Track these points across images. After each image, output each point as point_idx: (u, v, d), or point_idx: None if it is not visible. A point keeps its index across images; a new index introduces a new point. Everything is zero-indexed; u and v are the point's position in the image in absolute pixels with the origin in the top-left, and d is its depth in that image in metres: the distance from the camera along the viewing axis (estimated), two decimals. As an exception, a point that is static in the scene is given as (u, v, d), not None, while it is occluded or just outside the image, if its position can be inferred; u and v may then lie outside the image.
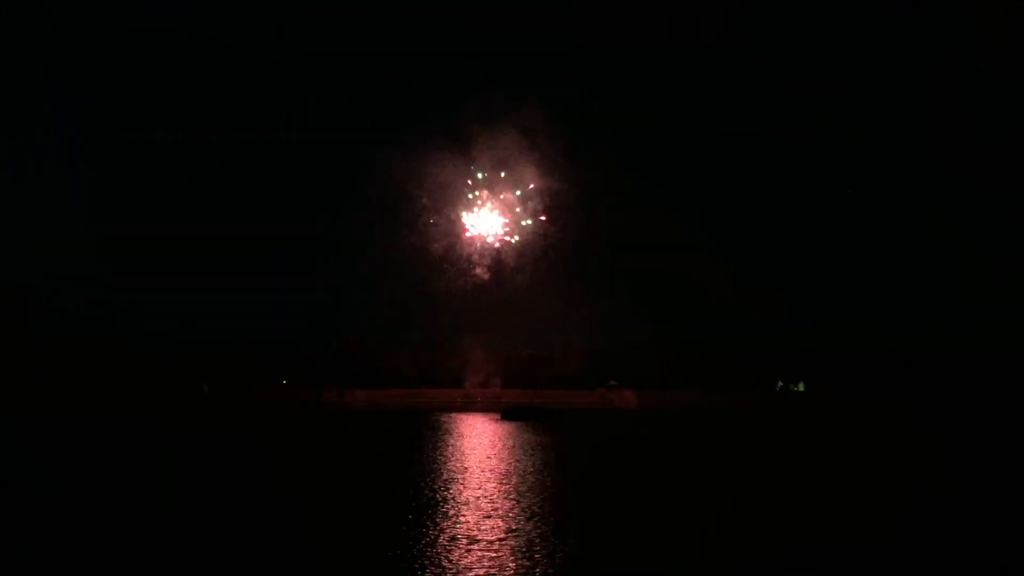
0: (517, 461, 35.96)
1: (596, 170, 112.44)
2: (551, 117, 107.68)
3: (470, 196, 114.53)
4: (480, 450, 41.62)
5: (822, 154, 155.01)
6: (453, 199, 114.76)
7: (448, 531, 20.15)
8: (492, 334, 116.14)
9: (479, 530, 20.29)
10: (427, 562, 17.11)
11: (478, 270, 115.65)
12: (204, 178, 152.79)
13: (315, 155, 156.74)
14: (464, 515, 22.30)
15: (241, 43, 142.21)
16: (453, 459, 36.71)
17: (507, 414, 75.15)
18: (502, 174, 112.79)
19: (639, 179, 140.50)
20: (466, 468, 33.14)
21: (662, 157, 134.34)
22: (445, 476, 30.51)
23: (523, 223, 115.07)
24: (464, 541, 19.03)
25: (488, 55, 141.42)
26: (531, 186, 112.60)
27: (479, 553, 17.90)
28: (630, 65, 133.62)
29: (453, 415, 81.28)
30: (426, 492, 26.31)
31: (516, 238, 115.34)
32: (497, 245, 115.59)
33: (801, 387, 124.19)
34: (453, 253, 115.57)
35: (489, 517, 22.02)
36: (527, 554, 17.85)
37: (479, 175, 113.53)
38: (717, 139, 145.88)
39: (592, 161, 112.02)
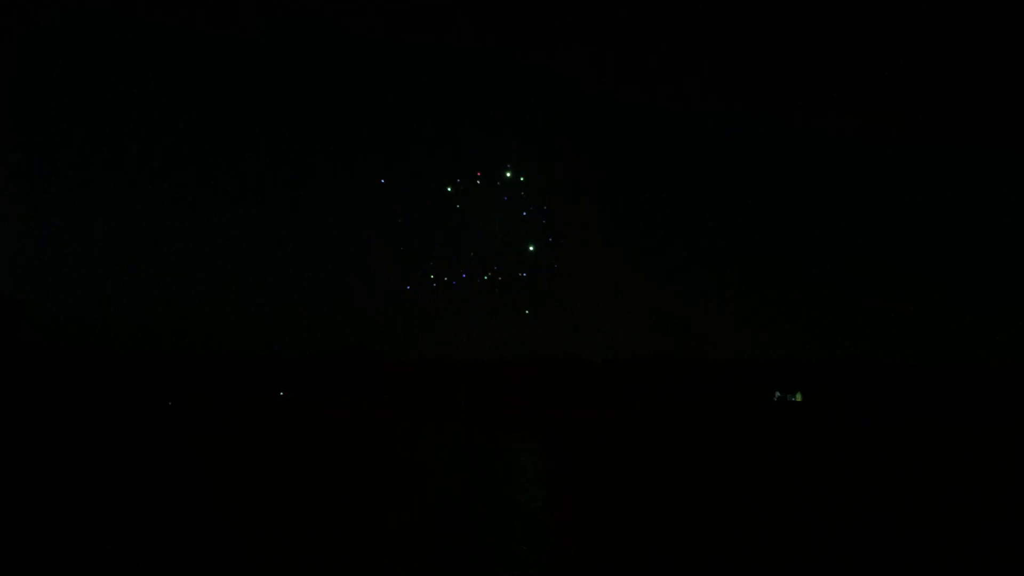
0: (511, 468, 35.84)
1: (593, 177, 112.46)
2: (550, 118, 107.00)
3: (467, 200, 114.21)
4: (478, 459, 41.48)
5: (823, 157, 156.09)
6: (450, 203, 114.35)
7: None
8: (489, 341, 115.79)
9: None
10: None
11: (475, 275, 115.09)
12: (196, 184, 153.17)
13: (307, 162, 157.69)
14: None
15: (240, 43, 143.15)
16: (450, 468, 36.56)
17: (505, 422, 75.09)
18: (500, 177, 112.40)
19: (635, 185, 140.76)
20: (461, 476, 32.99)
21: (655, 163, 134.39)
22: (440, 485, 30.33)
23: (520, 229, 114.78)
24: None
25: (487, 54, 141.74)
26: (527, 190, 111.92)
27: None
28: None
29: (451, 424, 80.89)
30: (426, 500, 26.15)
31: (510, 241, 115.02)
32: (494, 253, 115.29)
33: (799, 397, 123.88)
34: (450, 259, 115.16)
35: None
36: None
37: (476, 179, 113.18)
38: (714, 143, 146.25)
39: (590, 168, 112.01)
